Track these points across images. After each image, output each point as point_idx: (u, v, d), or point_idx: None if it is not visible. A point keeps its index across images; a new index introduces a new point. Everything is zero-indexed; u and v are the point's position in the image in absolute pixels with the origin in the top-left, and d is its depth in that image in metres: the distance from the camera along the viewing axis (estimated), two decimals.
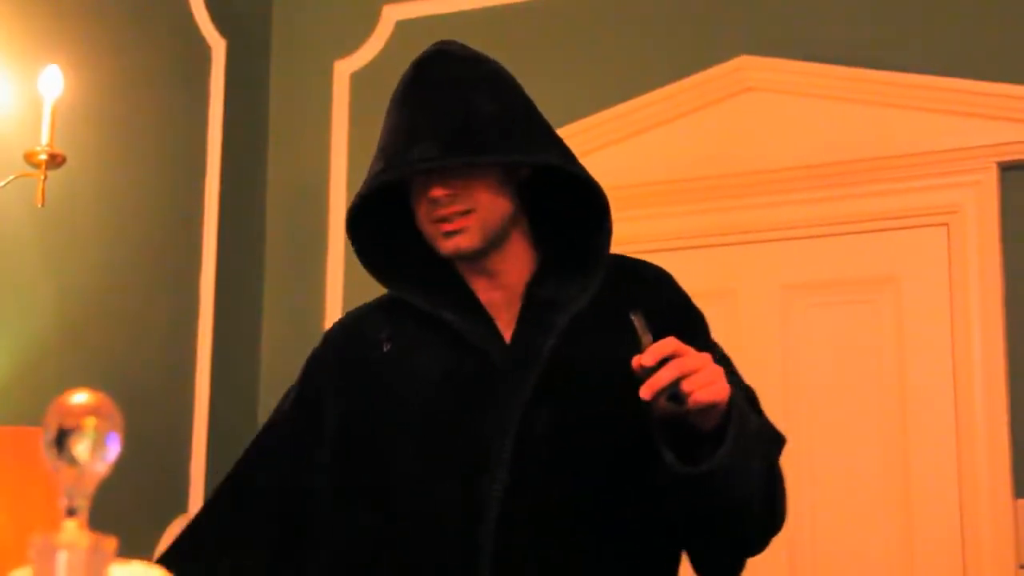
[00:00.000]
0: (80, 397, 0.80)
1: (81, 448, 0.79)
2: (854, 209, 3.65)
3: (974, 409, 3.44)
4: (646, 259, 1.96)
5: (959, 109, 3.53)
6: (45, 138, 3.08)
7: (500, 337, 1.80)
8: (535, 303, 1.82)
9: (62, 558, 0.76)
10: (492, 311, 1.83)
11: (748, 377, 3.86)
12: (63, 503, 0.79)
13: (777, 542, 3.67)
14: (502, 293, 1.84)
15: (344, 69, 4.35)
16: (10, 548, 2.56)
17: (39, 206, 3.09)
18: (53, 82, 3.10)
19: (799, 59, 3.73)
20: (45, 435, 0.79)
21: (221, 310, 4.03)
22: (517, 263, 1.85)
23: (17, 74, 3.33)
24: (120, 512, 2.58)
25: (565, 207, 1.87)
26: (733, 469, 1.62)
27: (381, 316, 1.92)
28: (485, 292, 1.85)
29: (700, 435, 1.62)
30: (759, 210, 3.74)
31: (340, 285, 4.21)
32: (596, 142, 3.87)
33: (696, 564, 1.81)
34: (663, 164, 3.83)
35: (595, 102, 3.91)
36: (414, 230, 1.85)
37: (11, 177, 3.14)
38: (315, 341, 4.58)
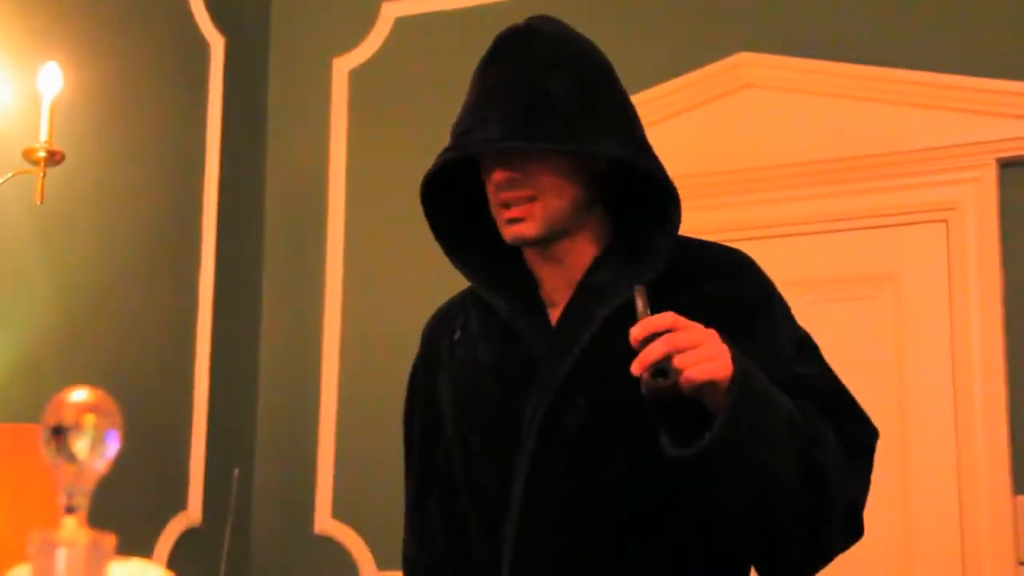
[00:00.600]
0: (79, 394, 0.80)
1: (80, 445, 0.79)
2: (853, 205, 3.65)
3: (973, 405, 3.44)
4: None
5: (958, 105, 3.53)
6: (44, 135, 3.08)
7: (548, 325, 1.78)
8: (586, 291, 1.77)
9: (61, 555, 0.76)
10: (551, 297, 1.81)
11: None
12: (62, 500, 0.79)
13: None
14: (565, 280, 1.80)
15: (343, 66, 4.35)
16: (10, 545, 2.56)
17: (38, 203, 3.09)
18: (52, 79, 3.10)
19: (798, 56, 3.73)
20: (44, 432, 0.79)
21: (220, 307, 4.03)
22: (585, 251, 1.80)
23: (16, 71, 3.33)
24: (119, 509, 2.58)
25: (641, 196, 1.83)
26: (733, 453, 1.52)
27: (460, 305, 1.93)
28: (549, 278, 1.82)
29: (710, 416, 1.54)
30: (758, 207, 3.74)
31: (339, 282, 4.21)
32: None
33: (757, 567, 1.72)
34: (662, 160, 3.82)
35: None
36: (484, 209, 1.83)
37: (10, 174, 3.14)
38: (314, 337, 4.56)
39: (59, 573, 0.76)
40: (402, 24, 4.29)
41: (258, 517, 4.16)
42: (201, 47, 4.11)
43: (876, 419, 3.69)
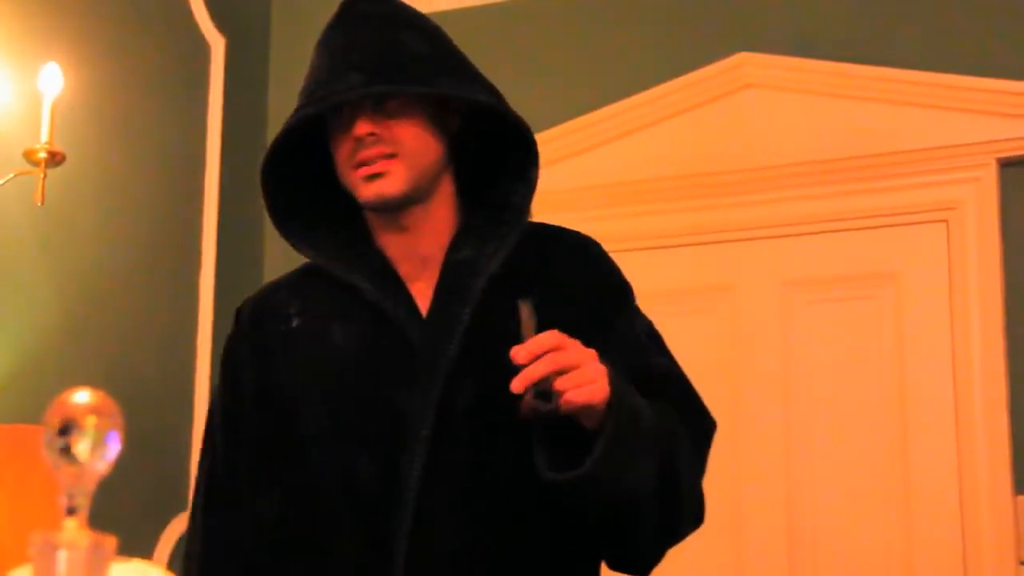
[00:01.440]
0: (81, 396, 0.80)
1: (81, 447, 0.78)
2: (854, 205, 3.65)
3: (974, 405, 3.44)
4: (582, 235, 1.86)
5: (958, 105, 3.53)
6: (45, 136, 3.08)
7: (416, 308, 1.69)
8: (452, 268, 1.70)
9: (62, 557, 0.76)
10: (408, 277, 1.73)
11: (748, 372, 3.86)
12: (63, 502, 0.79)
13: (776, 535, 3.68)
14: (419, 258, 1.73)
15: None
16: (10, 546, 2.56)
17: (39, 204, 3.09)
18: (53, 80, 3.10)
19: (798, 56, 3.73)
20: (45, 434, 0.79)
21: (221, 308, 4.03)
22: (438, 223, 1.73)
23: (17, 71, 3.33)
24: (120, 511, 2.58)
25: (493, 163, 1.77)
26: (608, 475, 1.53)
27: (291, 288, 1.83)
28: (402, 256, 1.74)
29: (584, 433, 1.54)
30: (759, 207, 3.74)
31: None
32: (595, 139, 3.87)
33: (606, 558, 1.73)
34: (662, 161, 3.83)
35: (594, 99, 3.91)
36: (327, 189, 1.75)
37: (11, 175, 3.14)
38: None
39: (60, 575, 0.76)
40: None
41: None
42: (202, 48, 4.11)
43: (876, 419, 3.71)
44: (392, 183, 1.66)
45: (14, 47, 3.36)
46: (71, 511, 0.79)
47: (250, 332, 1.83)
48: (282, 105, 4.40)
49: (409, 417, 1.63)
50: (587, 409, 1.51)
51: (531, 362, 1.48)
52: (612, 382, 1.52)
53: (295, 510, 1.71)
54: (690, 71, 3.84)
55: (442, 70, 1.70)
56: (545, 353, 1.48)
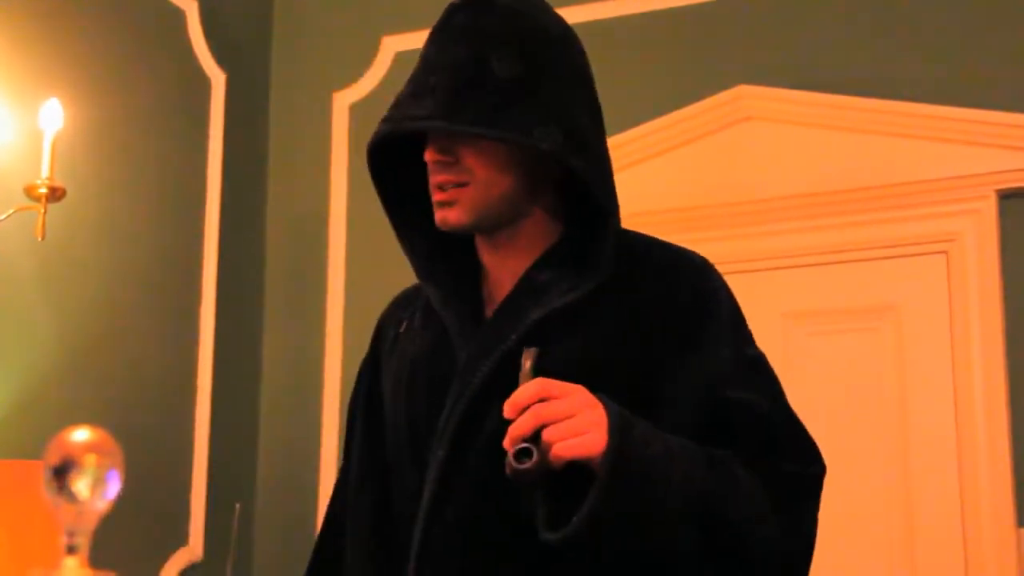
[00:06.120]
0: (80, 434, 0.80)
1: (81, 485, 0.78)
2: (854, 237, 3.65)
3: (976, 437, 3.43)
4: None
5: (958, 137, 3.54)
6: (45, 171, 3.08)
7: (478, 321, 1.64)
8: (524, 290, 1.62)
9: None
10: (494, 291, 1.67)
11: None
12: (63, 540, 0.78)
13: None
14: (509, 272, 1.65)
15: (343, 100, 4.36)
16: None
17: (39, 239, 3.10)
18: (53, 115, 3.11)
19: (797, 88, 3.74)
20: (45, 472, 0.79)
21: (221, 343, 4.03)
22: (533, 240, 1.65)
23: (18, 107, 3.34)
24: (121, 545, 2.57)
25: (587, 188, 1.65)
26: (612, 532, 1.41)
27: (411, 294, 1.81)
28: (495, 269, 1.67)
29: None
30: (759, 239, 3.75)
31: (340, 317, 4.21)
32: None
33: None
34: (662, 193, 3.83)
35: None
36: None
37: (11, 210, 3.14)
38: (315, 373, 4.54)
39: None
40: (403, 58, 4.30)
41: (259, 552, 4.14)
42: (202, 83, 4.12)
43: (878, 451, 3.70)
44: (459, 213, 1.59)
45: (15, 83, 3.37)
46: (71, 550, 0.78)
47: (374, 339, 1.82)
48: (282, 138, 4.41)
49: (435, 436, 1.59)
50: (587, 463, 1.40)
51: (518, 416, 1.40)
52: (612, 432, 1.40)
53: (379, 517, 1.72)
54: (690, 103, 3.85)
55: (517, 102, 1.56)
56: (531, 405, 1.40)
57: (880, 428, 3.58)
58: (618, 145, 3.88)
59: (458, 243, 1.70)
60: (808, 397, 3.65)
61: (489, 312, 1.65)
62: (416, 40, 4.48)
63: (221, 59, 4.17)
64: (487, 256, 1.68)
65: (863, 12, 3.78)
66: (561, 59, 1.64)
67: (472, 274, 1.69)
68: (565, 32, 1.67)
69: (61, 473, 0.78)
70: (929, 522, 3.47)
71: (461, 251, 1.70)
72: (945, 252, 3.57)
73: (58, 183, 3.11)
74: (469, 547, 1.56)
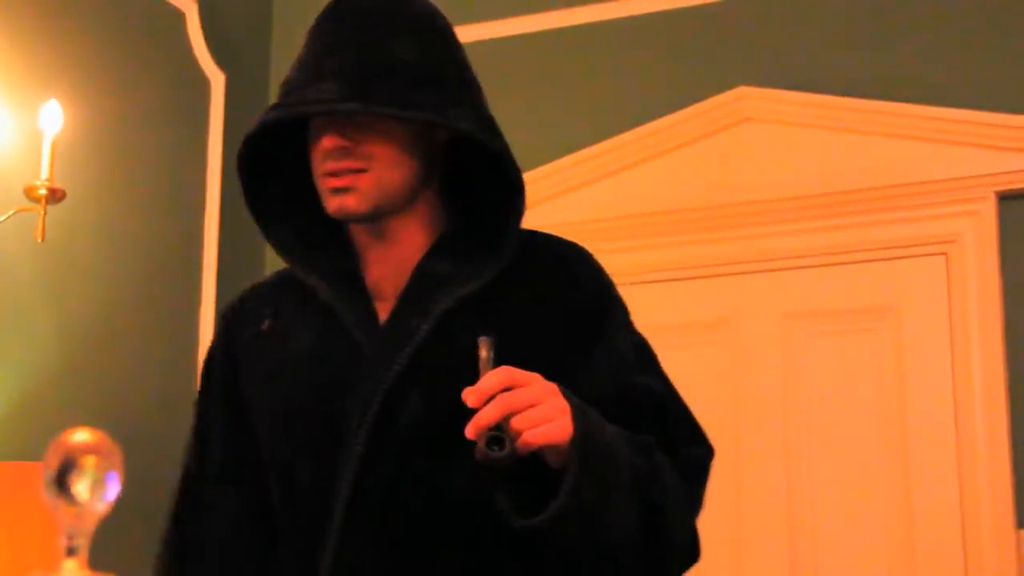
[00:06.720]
0: (80, 436, 0.80)
1: (81, 487, 0.78)
2: (853, 238, 3.65)
3: (975, 439, 3.44)
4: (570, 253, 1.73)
5: (957, 139, 3.54)
6: (45, 173, 3.09)
7: (374, 316, 1.60)
8: (423, 280, 1.60)
9: None
10: (378, 283, 1.63)
11: (749, 405, 3.85)
12: (63, 542, 0.78)
13: (779, 569, 3.65)
14: (394, 264, 1.62)
15: None
16: None
17: (39, 241, 3.10)
18: (53, 117, 3.11)
19: (797, 90, 3.74)
20: (45, 474, 0.79)
21: None
22: (418, 232, 1.63)
23: (17, 109, 3.34)
24: (120, 548, 2.57)
25: (486, 177, 1.64)
26: (580, 516, 1.42)
27: (271, 289, 1.75)
28: (377, 260, 1.64)
29: (552, 473, 1.42)
30: (759, 240, 3.75)
31: None
32: (596, 173, 3.87)
33: None
34: (663, 195, 3.83)
35: (595, 133, 3.92)
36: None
37: (11, 212, 3.14)
38: None
39: None
40: None
41: None
42: (202, 84, 4.12)
43: (878, 452, 3.70)
44: (357, 200, 1.55)
45: (15, 85, 3.37)
46: (71, 552, 0.78)
47: (224, 337, 1.75)
48: None
49: (346, 430, 1.54)
50: (551, 450, 1.40)
51: (483, 405, 1.37)
52: (576, 419, 1.40)
53: (254, 519, 1.68)
54: (690, 105, 3.85)
55: (427, 85, 1.56)
56: (497, 394, 1.38)
57: (880, 429, 3.58)
58: (618, 147, 3.89)
59: (326, 235, 1.66)
60: (808, 398, 3.65)
61: (379, 305, 1.61)
62: None
63: (220, 60, 4.17)
64: (368, 247, 1.64)
65: (863, 14, 3.78)
66: (454, 43, 1.64)
67: (349, 266, 1.65)
68: (443, 17, 1.66)
69: (61, 475, 0.78)
70: (929, 523, 3.47)
71: (328, 243, 1.66)
72: (945, 253, 3.58)
73: (58, 184, 3.11)
74: (391, 541, 1.54)
